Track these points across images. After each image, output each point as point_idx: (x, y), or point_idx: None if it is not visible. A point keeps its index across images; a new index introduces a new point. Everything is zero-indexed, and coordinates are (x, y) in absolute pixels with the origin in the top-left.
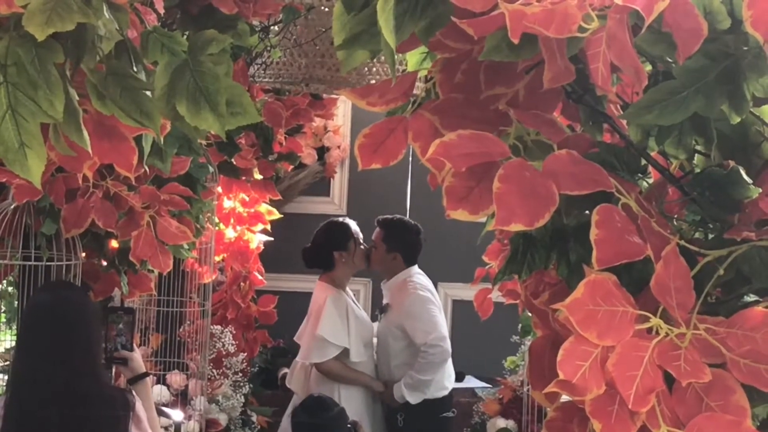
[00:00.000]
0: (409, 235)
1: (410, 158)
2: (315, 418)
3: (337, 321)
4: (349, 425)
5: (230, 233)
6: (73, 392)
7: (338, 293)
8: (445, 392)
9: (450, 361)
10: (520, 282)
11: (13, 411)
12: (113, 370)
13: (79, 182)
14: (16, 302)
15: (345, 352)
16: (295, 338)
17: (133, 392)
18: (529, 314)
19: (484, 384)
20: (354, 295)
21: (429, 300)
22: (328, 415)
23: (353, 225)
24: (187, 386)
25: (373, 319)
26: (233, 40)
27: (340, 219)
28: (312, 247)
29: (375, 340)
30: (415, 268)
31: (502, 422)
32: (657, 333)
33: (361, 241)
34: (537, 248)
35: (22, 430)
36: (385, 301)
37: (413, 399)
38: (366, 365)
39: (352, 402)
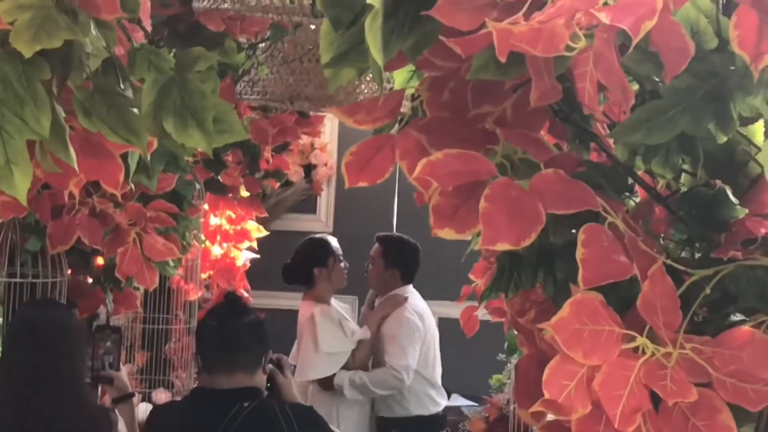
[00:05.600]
0: (408, 252)
1: (397, 176)
2: (224, 325)
3: (334, 330)
4: (272, 358)
5: (216, 250)
6: (56, 410)
7: (323, 307)
8: (439, 409)
9: (439, 380)
10: (507, 300)
11: None
12: (99, 389)
13: (65, 199)
14: (1, 319)
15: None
16: (290, 359)
17: (116, 411)
18: (516, 332)
19: (470, 402)
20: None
21: (415, 326)
22: (240, 321)
23: (333, 242)
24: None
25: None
26: (220, 57)
27: (320, 236)
28: (292, 263)
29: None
30: (410, 287)
31: None
32: (643, 352)
33: (341, 258)
34: (524, 267)
35: None
36: None
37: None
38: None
39: (349, 420)
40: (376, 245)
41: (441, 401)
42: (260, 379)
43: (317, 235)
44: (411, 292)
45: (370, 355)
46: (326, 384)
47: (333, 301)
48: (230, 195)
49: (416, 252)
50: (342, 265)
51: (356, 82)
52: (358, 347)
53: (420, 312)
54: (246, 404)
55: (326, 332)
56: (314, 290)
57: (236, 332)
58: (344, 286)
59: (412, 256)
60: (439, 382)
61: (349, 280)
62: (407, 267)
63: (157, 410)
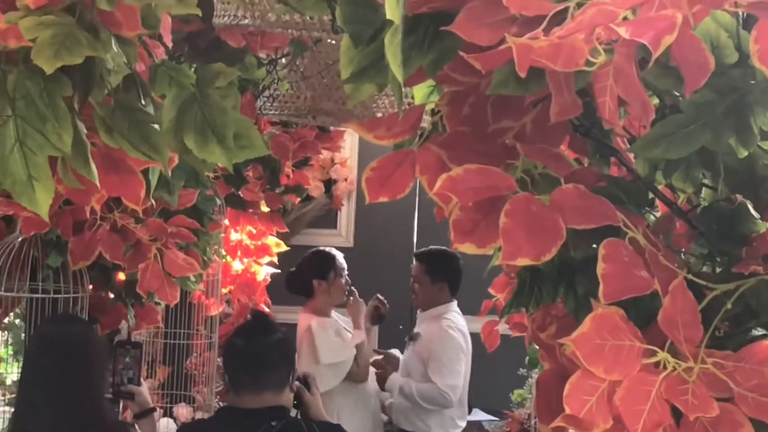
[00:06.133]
0: (453, 263)
1: (417, 190)
2: (251, 343)
3: (333, 340)
4: (299, 375)
5: (237, 265)
6: (74, 426)
7: (320, 319)
8: (458, 430)
9: (466, 398)
10: (528, 315)
11: None
12: (120, 404)
13: (86, 215)
14: (24, 335)
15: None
16: None
17: (136, 426)
18: (537, 347)
19: (491, 417)
20: None
21: (459, 345)
22: (267, 340)
23: (339, 256)
24: (194, 419)
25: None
26: (241, 73)
27: (327, 249)
28: (294, 272)
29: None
30: (454, 305)
31: None
32: (664, 367)
33: (345, 275)
34: (544, 282)
35: None
36: (416, 330)
37: (396, 399)
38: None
39: (350, 427)
40: (417, 264)
41: (461, 423)
42: (287, 398)
43: (325, 249)
44: (454, 311)
45: (373, 355)
46: (380, 385)
47: (334, 313)
48: (251, 210)
49: (458, 261)
50: (343, 281)
51: (376, 98)
52: (359, 352)
53: (462, 330)
54: (274, 423)
55: (324, 344)
56: (313, 302)
57: (263, 351)
58: (344, 302)
59: (456, 266)
60: (466, 401)
61: (371, 294)
62: (454, 278)
63: (184, 429)
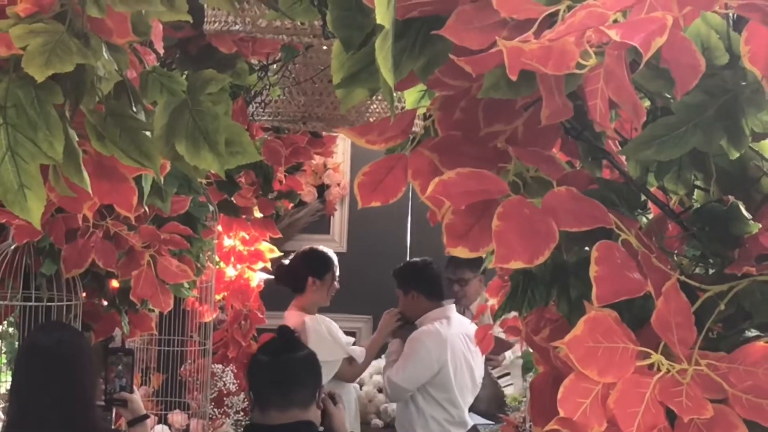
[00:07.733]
0: (418, 270)
1: (410, 195)
2: (278, 360)
3: (326, 338)
4: (324, 394)
5: (231, 272)
6: None
7: (313, 316)
8: None
9: (464, 407)
10: (521, 318)
11: None
12: (113, 411)
13: (79, 222)
14: (17, 343)
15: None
16: None
17: None
18: (531, 350)
19: (486, 420)
20: (356, 333)
21: (423, 350)
22: (294, 356)
23: (335, 260)
24: (188, 426)
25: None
26: (232, 79)
27: (325, 249)
28: (289, 265)
29: None
30: (447, 311)
31: None
32: (658, 369)
33: (336, 278)
34: (537, 285)
35: None
36: None
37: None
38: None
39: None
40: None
41: (453, 429)
42: (315, 414)
43: (321, 248)
44: (446, 317)
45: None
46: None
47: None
48: (244, 216)
49: (426, 267)
50: (335, 284)
51: (368, 102)
52: (352, 364)
53: (436, 337)
54: None
55: (317, 341)
56: (302, 298)
57: (290, 367)
58: (327, 305)
59: (426, 274)
60: (464, 410)
61: (364, 299)
62: (426, 285)
63: None
